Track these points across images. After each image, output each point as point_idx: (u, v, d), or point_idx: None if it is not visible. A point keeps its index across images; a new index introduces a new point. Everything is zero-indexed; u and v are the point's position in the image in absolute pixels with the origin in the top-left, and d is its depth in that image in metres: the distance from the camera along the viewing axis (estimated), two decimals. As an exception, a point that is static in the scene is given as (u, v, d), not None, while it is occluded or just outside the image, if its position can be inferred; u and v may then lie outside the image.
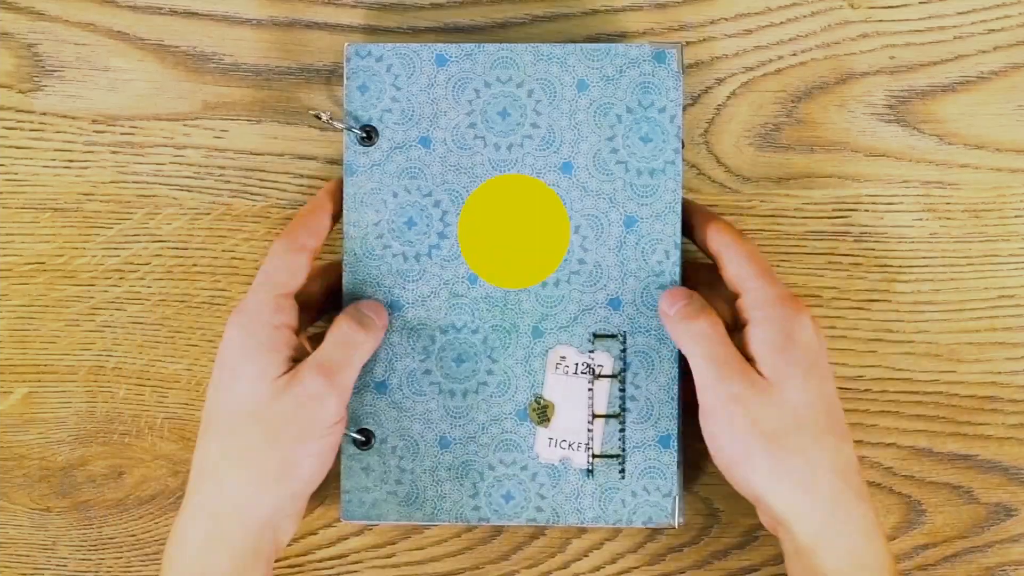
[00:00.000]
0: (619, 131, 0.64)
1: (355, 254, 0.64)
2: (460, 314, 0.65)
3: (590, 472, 0.64)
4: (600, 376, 0.65)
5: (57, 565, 0.70)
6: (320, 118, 0.64)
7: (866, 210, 0.70)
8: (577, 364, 0.65)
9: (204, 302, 0.70)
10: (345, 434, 0.63)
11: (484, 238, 0.65)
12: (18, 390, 0.70)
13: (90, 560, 0.70)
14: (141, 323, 0.70)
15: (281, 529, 0.61)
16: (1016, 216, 0.70)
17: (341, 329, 0.61)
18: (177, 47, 0.69)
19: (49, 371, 0.70)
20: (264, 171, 0.70)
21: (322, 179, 0.70)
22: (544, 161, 0.64)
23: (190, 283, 0.70)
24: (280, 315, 0.60)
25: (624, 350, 0.64)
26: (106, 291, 0.70)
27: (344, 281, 0.64)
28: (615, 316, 0.64)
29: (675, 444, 0.64)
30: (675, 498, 0.64)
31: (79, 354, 0.70)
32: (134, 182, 0.70)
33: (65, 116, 0.69)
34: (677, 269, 0.64)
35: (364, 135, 0.64)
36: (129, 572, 0.70)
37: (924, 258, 0.70)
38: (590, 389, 0.65)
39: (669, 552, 0.70)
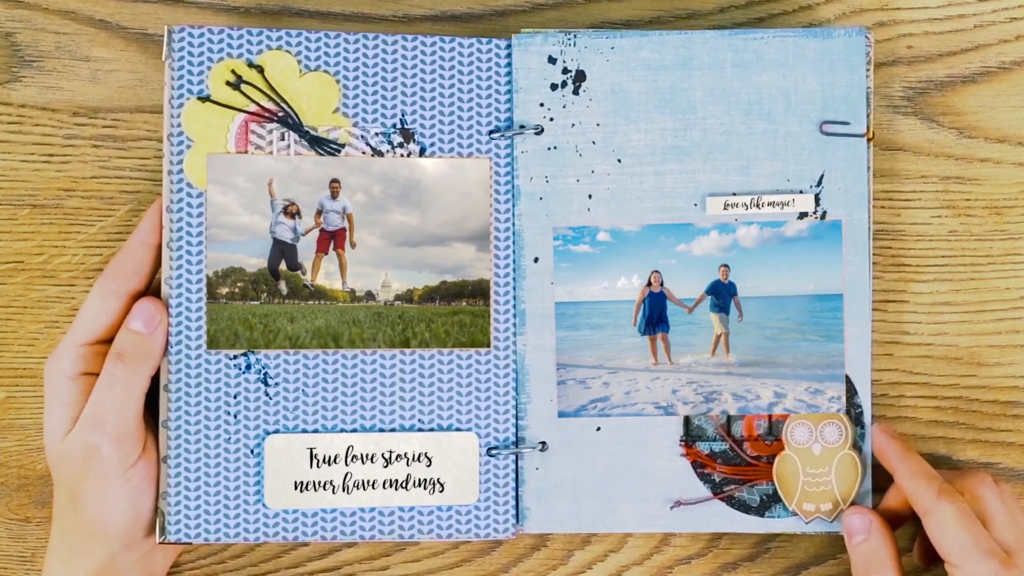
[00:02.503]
0: None
1: None
2: None
3: None
4: None
5: (36, 578, 0.68)
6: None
7: (882, 207, 0.67)
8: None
9: (190, 303, 0.67)
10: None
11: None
12: (-5, 395, 0.68)
13: (71, 573, 0.67)
14: (124, 325, 0.67)
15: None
16: (1039, 213, 0.68)
17: (104, 368, 0.61)
18: (161, 36, 0.67)
19: (28, 375, 0.67)
20: (253, 166, 0.67)
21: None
22: None
23: (175, 283, 0.67)
24: (80, 364, 0.61)
25: None
26: (87, 292, 0.66)
27: None
28: None
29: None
30: None
31: (59, 357, 0.67)
32: (117, 177, 0.67)
33: (44, 108, 0.67)
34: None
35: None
36: (112, 585, 0.68)
37: (943, 257, 0.67)
38: None
39: (677, 564, 0.68)
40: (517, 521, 0.64)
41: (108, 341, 0.62)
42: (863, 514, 0.63)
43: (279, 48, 0.63)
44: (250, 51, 0.63)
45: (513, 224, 0.64)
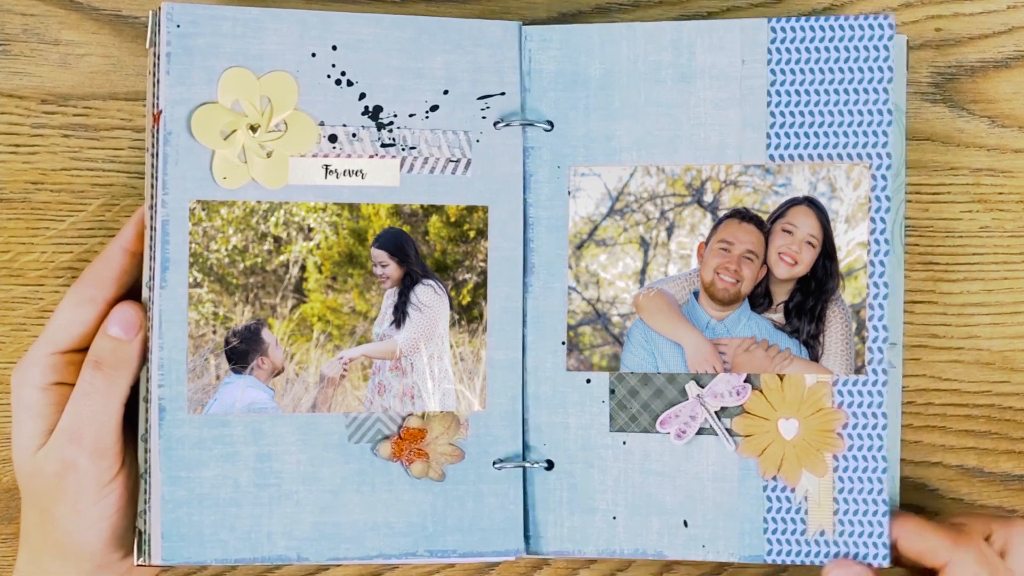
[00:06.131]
0: None
1: None
2: None
3: None
4: None
5: (1, 599, 0.65)
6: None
7: (909, 201, 0.65)
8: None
9: (167, 304, 0.64)
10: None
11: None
12: (-42, 402, 0.65)
13: (39, 593, 0.64)
14: (96, 327, 0.65)
15: None
16: (1077, 207, 0.66)
17: (80, 377, 0.59)
18: (136, 18, 0.65)
19: (-7, 381, 0.65)
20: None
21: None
22: None
23: (151, 282, 0.64)
24: (51, 374, 0.59)
25: None
26: (57, 292, 0.65)
27: None
28: None
29: None
30: None
31: (27, 362, 0.65)
32: (88, 169, 0.65)
33: (11, 95, 0.65)
34: None
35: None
36: (83, 606, 0.64)
37: (974, 254, 0.65)
38: None
39: (687, 585, 0.65)
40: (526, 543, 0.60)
41: (81, 350, 0.59)
42: (845, 567, 0.59)
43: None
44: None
45: None
